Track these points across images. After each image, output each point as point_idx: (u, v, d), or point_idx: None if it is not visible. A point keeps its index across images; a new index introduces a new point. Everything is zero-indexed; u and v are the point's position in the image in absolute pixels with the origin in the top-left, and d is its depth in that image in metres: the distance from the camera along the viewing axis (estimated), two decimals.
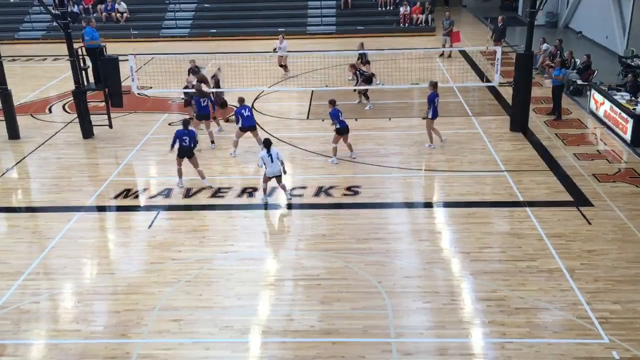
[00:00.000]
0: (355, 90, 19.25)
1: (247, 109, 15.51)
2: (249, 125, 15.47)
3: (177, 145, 13.70)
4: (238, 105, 15.69)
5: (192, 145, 13.74)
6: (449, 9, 30.65)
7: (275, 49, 22.86)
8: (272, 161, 12.61)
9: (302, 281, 10.38)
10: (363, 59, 20.52)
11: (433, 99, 15.34)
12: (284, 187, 13.03)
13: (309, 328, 9.20)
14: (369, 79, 19.10)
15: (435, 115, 15.50)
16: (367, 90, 18.99)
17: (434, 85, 15.58)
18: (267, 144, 12.69)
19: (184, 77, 20.11)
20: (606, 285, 9.98)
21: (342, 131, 14.73)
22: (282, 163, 12.83)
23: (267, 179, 12.90)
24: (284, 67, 22.87)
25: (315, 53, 23.77)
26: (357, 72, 18.97)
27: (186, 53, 24.02)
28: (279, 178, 12.87)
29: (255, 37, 30.26)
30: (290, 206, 13.03)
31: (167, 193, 13.77)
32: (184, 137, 13.61)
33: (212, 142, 16.29)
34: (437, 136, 15.82)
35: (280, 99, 20.72)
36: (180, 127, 13.87)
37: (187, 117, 16.34)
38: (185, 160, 13.83)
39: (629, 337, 8.76)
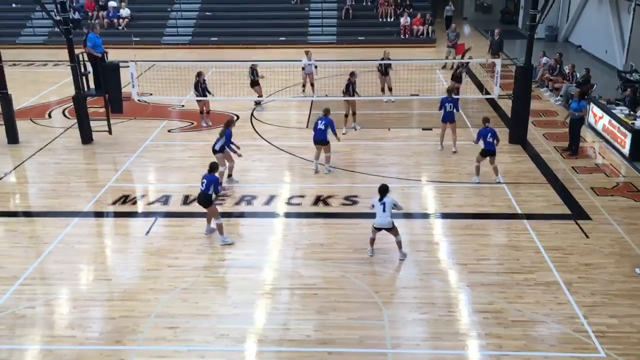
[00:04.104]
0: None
1: (322, 121, 14.58)
2: (315, 138, 14.67)
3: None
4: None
5: (210, 192, 11.66)
6: (455, 22, 30.59)
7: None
8: (383, 210, 10.83)
9: (298, 290, 10.37)
10: (381, 68, 20.46)
11: (444, 103, 16.13)
12: (399, 244, 11.21)
13: (305, 337, 9.17)
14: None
15: (445, 119, 16.21)
16: None
17: (448, 90, 16.71)
18: (382, 190, 10.97)
19: (184, 84, 20.21)
20: (603, 299, 9.97)
21: (485, 153, 14.25)
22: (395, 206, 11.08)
23: (375, 231, 11.17)
24: (312, 85, 21.22)
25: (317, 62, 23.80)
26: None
27: (187, 61, 24.08)
28: (392, 231, 11.09)
29: (256, 46, 30.37)
30: (288, 215, 13.03)
31: (165, 200, 13.76)
32: (202, 180, 11.69)
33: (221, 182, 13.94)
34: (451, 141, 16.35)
35: (280, 107, 20.76)
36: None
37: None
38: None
39: (626, 352, 8.75)
